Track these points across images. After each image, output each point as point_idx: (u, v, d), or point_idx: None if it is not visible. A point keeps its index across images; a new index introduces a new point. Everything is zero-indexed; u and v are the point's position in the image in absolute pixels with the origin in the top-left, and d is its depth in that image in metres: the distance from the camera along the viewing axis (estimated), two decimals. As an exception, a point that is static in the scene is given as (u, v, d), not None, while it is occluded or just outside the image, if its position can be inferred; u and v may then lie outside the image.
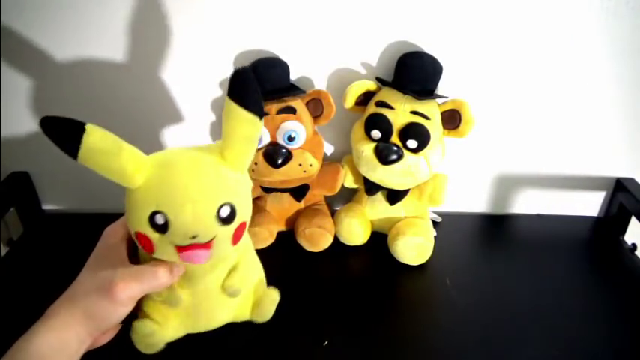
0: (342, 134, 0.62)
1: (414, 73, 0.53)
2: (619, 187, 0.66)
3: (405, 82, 0.53)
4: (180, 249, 0.38)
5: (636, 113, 0.61)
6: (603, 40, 0.56)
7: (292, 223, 0.62)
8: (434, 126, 0.53)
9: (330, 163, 0.61)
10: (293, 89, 0.55)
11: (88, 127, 0.34)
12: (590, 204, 0.69)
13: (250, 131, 0.38)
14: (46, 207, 0.68)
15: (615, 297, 0.55)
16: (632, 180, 0.66)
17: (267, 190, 0.60)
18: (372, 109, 0.55)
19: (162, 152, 0.40)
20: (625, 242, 0.65)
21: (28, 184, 0.66)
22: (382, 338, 0.49)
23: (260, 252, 0.55)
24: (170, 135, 0.62)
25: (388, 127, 0.53)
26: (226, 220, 0.38)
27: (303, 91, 0.56)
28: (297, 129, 0.54)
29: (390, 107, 0.53)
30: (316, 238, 0.59)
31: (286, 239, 0.61)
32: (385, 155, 0.52)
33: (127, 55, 0.56)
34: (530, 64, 0.58)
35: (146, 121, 0.61)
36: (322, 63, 0.58)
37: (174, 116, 0.61)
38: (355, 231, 0.59)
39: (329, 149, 0.64)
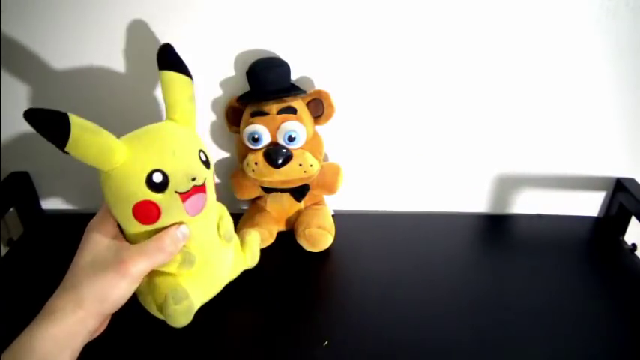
0: (342, 134, 0.63)
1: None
2: (619, 187, 0.66)
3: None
4: (184, 197, 0.41)
5: (636, 113, 0.61)
6: (603, 40, 0.56)
7: (292, 223, 0.62)
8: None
9: (330, 163, 0.61)
10: (293, 89, 0.55)
11: (69, 114, 0.37)
12: (590, 204, 0.69)
13: (189, 91, 0.46)
14: (46, 207, 0.68)
15: (615, 297, 0.55)
16: (632, 180, 0.66)
17: (268, 190, 0.60)
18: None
19: (127, 135, 0.43)
20: (625, 242, 0.65)
21: (28, 184, 0.66)
22: (382, 338, 0.49)
23: (260, 252, 0.56)
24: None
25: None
26: (207, 164, 0.44)
27: (304, 91, 0.56)
28: (297, 129, 0.54)
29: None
30: (316, 238, 0.59)
31: (286, 239, 0.61)
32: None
33: (127, 56, 0.56)
34: (530, 64, 0.58)
35: (146, 122, 0.61)
36: (323, 63, 0.58)
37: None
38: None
39: (329, 149, 0.64)
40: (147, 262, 0.40)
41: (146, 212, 0.41)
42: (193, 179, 0.41)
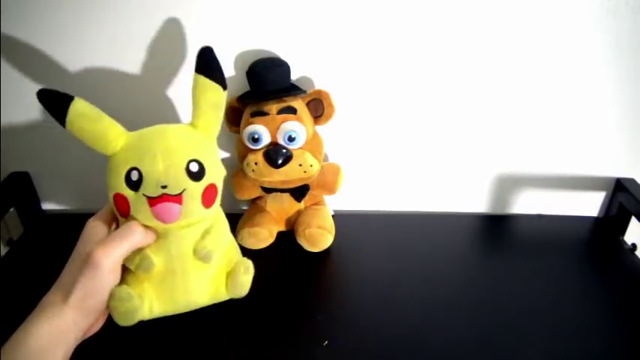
0: (342, 134, 0.63)
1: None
2: (619, 187, 0.66)
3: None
4: (152, 202, 0.41)
5: (636, 113, 0.61)
6: (603, 40, 0.56)
7: (292, 223, 0.62)
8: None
9: (330, 163, 0.62)
10: (293, 89, 0.55)
11: (76, 98, 0.41)
12: (590, 204, 0.69)
13: (218, 99, 0.45)
14: (46, 207, 0.68)
15: (615, 297, 0.55)
16: (632, 180, 0.66)
17: (268, 190, 0.60)
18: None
19: (141, 129, 0.45)
20: (625, 242, 0.65)
21: (28, 184, 0.66)
22: (382, 338, 0.49)
23: (260, 252, 0.56)
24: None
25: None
26: (196, 176, 0.42)
27: (304, 91, 0.56)
28: (297, 129, 0.54)
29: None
30: (316, 238, 0.59)
31: (286, 239, 0.61)
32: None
33: (126, 56, 0.56)
34: (530, 64, 0.58)
35: (146, 123, 0.61)
36: (323, 63, 0.58)
37: (174, 116, 0.61)
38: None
39: (329, 149, 0.64)
40: (117, 248, 0.40)
41: (119, 204, 0.42)
42: (164, 187, 0.41)
